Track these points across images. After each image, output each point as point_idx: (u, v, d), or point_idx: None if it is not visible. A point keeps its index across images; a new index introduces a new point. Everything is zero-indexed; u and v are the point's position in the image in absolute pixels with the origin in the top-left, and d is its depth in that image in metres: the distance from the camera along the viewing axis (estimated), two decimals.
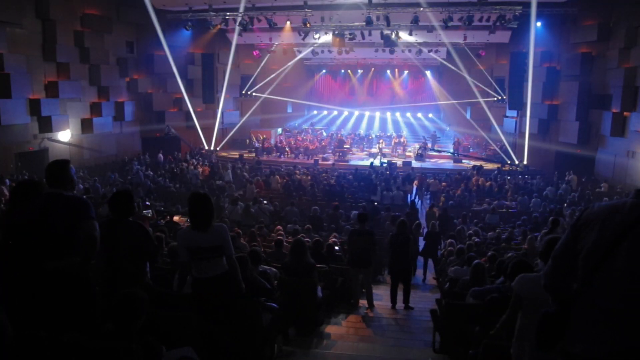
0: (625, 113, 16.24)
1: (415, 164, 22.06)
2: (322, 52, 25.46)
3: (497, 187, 16.57)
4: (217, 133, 24.31)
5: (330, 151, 24.99)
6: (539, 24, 19.45)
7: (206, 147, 23.95)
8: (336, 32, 20.99)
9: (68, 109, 17.98)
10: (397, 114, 30.92)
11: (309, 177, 17.06)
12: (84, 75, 18.72)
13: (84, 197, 3.40)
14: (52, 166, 3.10)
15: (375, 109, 31.02)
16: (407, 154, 24.64)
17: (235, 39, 22.12)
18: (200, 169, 18.45)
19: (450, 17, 18.30)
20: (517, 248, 8.76)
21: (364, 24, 19.04)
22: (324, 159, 22.95)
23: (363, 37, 21.44)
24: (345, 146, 25.23)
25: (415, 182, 17.74)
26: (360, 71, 31.63)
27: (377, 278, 9.32)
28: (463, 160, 23.54)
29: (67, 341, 2.51)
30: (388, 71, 31.46)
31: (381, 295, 7.68)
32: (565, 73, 19.58)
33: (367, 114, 31.24)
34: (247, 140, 25.85)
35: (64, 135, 17.98)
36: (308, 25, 19.69)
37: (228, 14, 20.39)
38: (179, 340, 3.07)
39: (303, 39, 21.84)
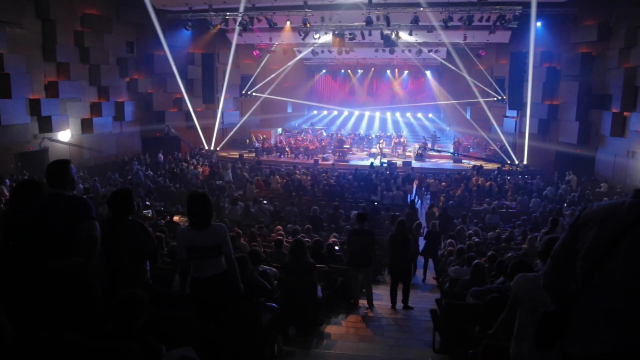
0: (625, 113, 16.24)
1: (415, 164, 22.06)
2: (322, 52, 25.47)
3: (497, 187, 16.57)
4: (217, 133, 24.32)
5: (330, 151, 24.99)
6: (539, 24, 19.45)
7: (206, 147, 23.95)
8: (336, 32, 21.00)
9: (68, 109, 17.98)
10: (397, 114, 30.92)
11: (309, 177, 17.07)
12: (84, 75, 18.72)
13: (84, 197, 3.39)
14: (53, 166, 3.10)
15: (375, 109, 31.02)
16: (407, 154, 24.64)
17: (235, 39, 22.13)
18: (200, 169, 18.46)
19: (450, 17, 18.30)
20: (517, 248, 8.77)
21: (364, 24, 19.04)
22: (324, 159, 22.95)
23: (363, 37, 21.44)
24: (345, 146, 25.24)
25: (415, 182, 17.74)
26: (360, 71, 31.64)
27: (377, 278, 9.32)
28: (463, 160, 23.54)
29: (67, 341, 2.51)
30: (388, 71, 31.47)
31: (381, 295, 7.68)
32: (565, 73, 19.58)
33: (367, 114, 31.25)
34: (247, 140, 25.85)
35: (64, 135, 17.98)
36: (308, 25, 19.69)
37: (228, 14, 20.39)
38: (179, 340, 3.07)
39: (303, 39, 21.84)
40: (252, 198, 13.02)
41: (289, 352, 4.77)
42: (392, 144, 25.73)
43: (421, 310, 6.83)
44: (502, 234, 10.15)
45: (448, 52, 23.58)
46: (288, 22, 20.37)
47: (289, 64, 26.88)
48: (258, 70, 26.31)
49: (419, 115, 30.62)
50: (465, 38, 21.30)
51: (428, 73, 29.85)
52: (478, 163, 21.00)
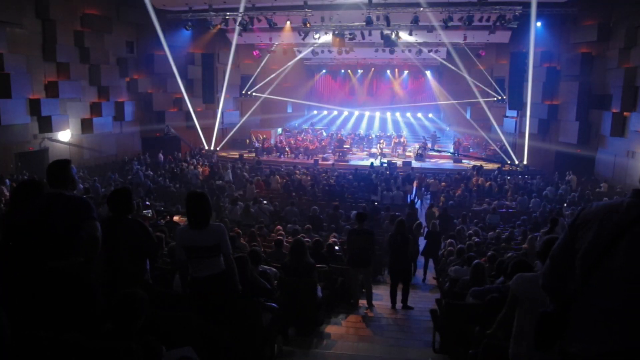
0: (625, 113, 16.24)
1: (415, 164, 22.06)
2: (322, 52, 25.46)
3: (497, 187, 16.57)
4: (217, 133, 24.32)
5: (330, 151, 24.99)
6: (539, 24, 19.45)
7: (206, 147, 23.95)
8: (336, 32, 21.00)
9: (68, 109, 17.99)
10: (397, 114, 30.92)
11: (309, 177, 17.07)
12: (84, 75, 18.73)
13: (85, 197, 3.39)
14: (53, 166, 3.10)
15: (375, 109, 31.02)
16: (407, 154, 24.64)
17: (235, 39, 22.13)
18: (200, 169, 18.46)
19: (450, 17, 18.30)
20: (517, 248, 8.77)
21: (364, 24, 19.05)
22: (324, 159, 22.95)
23: (363, 37, 21.44)
24: (345, 146, 25.24)
25: (415, 182, 17.74)
26: (360, 71, 31.63)
27: (377, 278, 9.32)
28: (463, 160, 23.54)
29: (67, 341, 2.51)
30: (388, 71, 31.46)
31: (381, 295, 7.68)
32: (565, 73, 19.58)
33: (367, 114, 31.24)
34: (247, 140, 25.85)
35: (64, 135, 17.99)
36: (308, 25, 19.69)
37: (228, 14, 20.39)
38: (179, 340, 3.07)
39: (303, 39, 21.84)
40: (252, 198, 13.02)
41: (289, 352, 4.77)
42: (392, 144, 25.73)
43: (421, 310, 6.83)
44: (502, 234, 10.16)
45: (448, 52, 23.58)
46: (288, 22, 20.37)
47: (289, 64, 26.88)
48: (258, 70, 26.31)
49: (419, 115, 30.61)
50: (465, 38, 21.30)
51: (428, 73, 29.85)
52: (478, 163, 20.99)
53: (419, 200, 16.54)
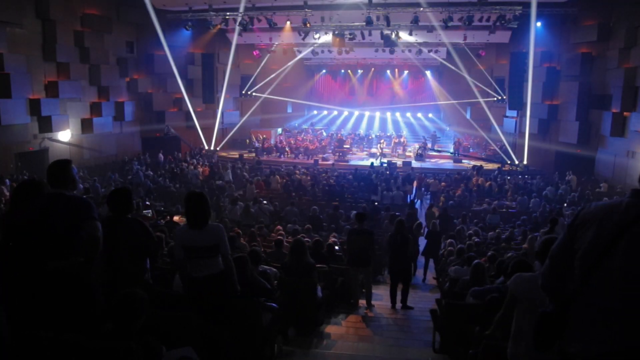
0: (625, 113, 16.24)
1: (415, 164, 22.06)
2: (322, 52, 25.46)
3: (497, 187, 16.57)
4: (217, 133, 24.32)
5: (330, 151, 25.00)
6: (539, 24, 19.45)
7: (206, 147, 23.95)
8: (336, 32, 21.00)
9: (68, 109, 17.99)
10: (397, 114, 30.92)
11: (309, 177, 17.07)
12: (84, 75, 18.73)
13: (86, 197, 3.39)
14: (53, 166, 3.09)
15: (375, 109, 31.02)
16: (407, 154, 24.64)
17: (235, 39, 22.13)
18: (200, 169, 18.46)
19: (450, 17, 18.30)
20: (517, 248, 8.77)
21: (364, 24, 19.05)
22: (324, 159, 22.95)
23: (363, 37, 21.44)
24: (345, 146, 25.24)
25: (415, 182, 17.74)
26: (360, 71, 31.63)
27: (377, 278, 9.32)
28: (463, 160, 23.54)
29: (67, 341, 2.51)
30: (388, 71, 31.46)
31: (381, 295, 7.68)
32: (565, 73, 19.58)
33: (367, 114, 31.24)
34: (247, 140, 25.85)
35: (64, 135, 17.99)
36: (308, 25, 19.69)
37: (228, 14, 20.39)
38: (179, 340, 3.07)
39: (303, 39, 21.84)
40: (252, 198, 13.02)
41: (289, 352, 4.77)
42: (392, 144, 25.73)
43: (421, 310, 6.83)
44: (502, 234, 10.16)
45: (448, 52, 23.58)
46: (288, 22, 20.37)
47: (289, 64, 26.88)
48: (258, 70, 26.31)
49: (419, 115, 30.61)
50: (465, 38, 21.30)
51: (428, 73, 29.85)
52: (478, 163, 20.99)
53: (419, 201, 16.54)
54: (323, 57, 27.09)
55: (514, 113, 22.74)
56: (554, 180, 17.22)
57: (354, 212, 10.68)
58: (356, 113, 31.34)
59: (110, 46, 19.81)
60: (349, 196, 14.87)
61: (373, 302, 7.11)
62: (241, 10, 19.70)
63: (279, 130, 29.47)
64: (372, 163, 20.89)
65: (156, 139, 22.50)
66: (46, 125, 16.88)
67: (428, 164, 22.87)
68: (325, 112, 32.29)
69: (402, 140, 26.20)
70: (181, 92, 22.32)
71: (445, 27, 18.80)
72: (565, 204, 13.77)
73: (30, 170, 15.55)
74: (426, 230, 10.50)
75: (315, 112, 32.55)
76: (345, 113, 31.51)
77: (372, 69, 31.18)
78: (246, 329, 3.96)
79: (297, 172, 17.85)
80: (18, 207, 3.03)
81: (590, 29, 17.98)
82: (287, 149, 24.79)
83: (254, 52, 25.88)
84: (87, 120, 19.02)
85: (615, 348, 1.61)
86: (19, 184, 3.35)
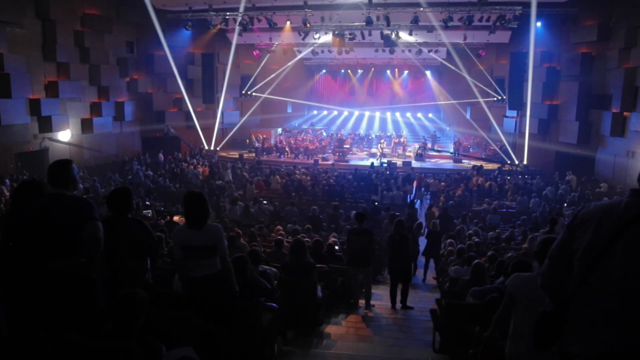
0: (625, 113, 16.24)
1: (415, 164, 22.06)
2: (322, 52, 25.46)
3: (497, 187, 16.57)
4: (217, 133, 24.31)
5: (330, 151, 24.99)
6: (539, 24, 19.45)
7: (206, 147, 23.95)
8: (336, 32, 21.00)
9: (68, 109, 17.99)
10: (397, 114, 30.92)
11: (309, 177, 17.07)
12: (84, 75, 18.73)
13: (87, 197, 3.39)
14: (54, 166, 3.09)
15: (375, 109, 31.01)
16: (407, 154, 24.64)
17: (235, 39, 22.13)
18: (200, 169, 18.47)
19: (450, 17, 18.30)
20: (517, 248, 8.77)
21: (364, 24, 19.04)
22: (324, 159, 22.95)
23: (363, 37, 21.44)
24: (345, 146, 25.23)
25: (415, 182, 17.74)
26: (360, 71, 31.63)
27: (377, 278, 9.32)
28: (463, 160, 23.54)
29: (67, 341, 2.51)
30: (388, 71, 31.46)
31: (381, 295, 7.69)
32: (565, 73, 19.58)
33: (367, 114, 31.24)
34: (247, 140, 25.84)
35: (64, 135, 17.99)
36: (308, 25, 19.69)
37: (228, 14, 20.39)
38: (179, 340, 3.07)
39: (303, 39, 21.84)
40: (252, 198, 13.02)
41: (289, 352, 4.77)
42: (392, 144, 25.73)
43: (421, 310, 6.83)
44: (502, 234, 10.16)
45: (448, 52, 23.58)
46: (288, 22, 20.36)
47: (289, 64, 26.87)
48: (258, 70, 26.30)
49: (419, 115, 30.61)
50: (465, 38, 21.29)
51: (428, 73, 29.84)
52: (478, 163, 20.99)
53: (418, 201, 16.54)
54: (323, 57, 27.08)
55: (514, 113, 22.74)
56: (554, 180, 17.22)
57: (354, 212, 10.70)
58: (356, 113, 31.33)
59: (110, 46, 19.81)
60: (349, 196, 14.87)
61: (373, 302, 7.11)
62: (241, 10, 19.70)
63: (279, 130, 29.47)
64: (372, 163, 20.88)
65: (156, 139, 22.50)
66: (46, 125, 16.88)
67: (428, 164, 22.87)
68: (325, 112, 32.29)
69: (402, 140, 26.19)
70: (181, 92, 22.32)
71: (445, 27, 18.80)
72: (565, 204, 13.77)
73: (30, 170, 15.56)
74: (426, 230, 10.50)
75: (315, 112, 32.55)
76: (345, 113, 31.51)
77: (372, 69, 31.18)
78: (246, 329, 3.96)
79: (297, 172, 17.86)
80: (19, 207, 3.03)
81: (590, 29, 17.98)
82: (287, 149, 24.79)
83: (254, 52, 25.87)
84: (87, 120, 19.03)
85: (615, 348, 1.61)
86: (20, 184, 3.35)
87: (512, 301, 2.83)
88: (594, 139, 18.46)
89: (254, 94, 26.56)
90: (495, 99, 23.72)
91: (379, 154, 24.00)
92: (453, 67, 23.84)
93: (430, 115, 30.37)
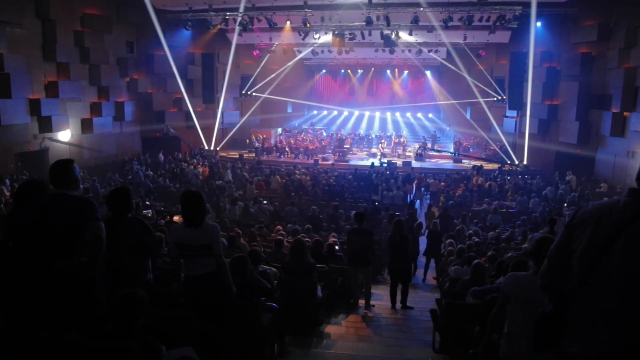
0: (625, 113, 16.24)
1: (415, 164, 22.06)
2: (322, 52, 25.46)
3: (497, 187, 16.57)
4: (217, 133, 24.32)
5: (330, 151, 24.99)
6: (539, 24, 19.45)
7: (206, 147, 23.96)
8: (336, 32, 21.00)
9: (68, 109, 17.99)
10: (397, 114, 30.91)
11: (309, 177, 17.07)
12: (84, 75, 18.73)
13: (89, 197, 3.39)
14: (55, 166, 3.09)
15: (375, 109, 31.01)
16: (407, 154, 24.63)
17: (235, 39, 22.13)
18: (201, 169, 18.47)
19: (450, 17, 18.30)
20: (517, 248, 8.77)
21: (364, 24, 19.04)
22: (324, 159, 22.95)
23: (363, 37, 21.44)
24: (345, 146, 25.23)
25: (415, 182, 17.74)
26: (360, 71, 31.62)
27: (377, 278, 9.32)
28: (463, 160, 23.54)
29: (67, 341, 2.51)
30: (388, 71, 31.46)
31: (381, 295, 7.69)
32: (565, 73, 19.58)
33: (367, 114, 31.23)
34: (247, 140, 25.84)
35: (64, 135, 17.99)
36: (308, 25, 19.69)
37: (228, 14, 20.39)
38: (179, 340, 3.07)
39: (303, 39, 21.84)
40: (252, 198, 13.02)
41: (289, 352, 4.77)
42: (392, 144, 25.73)
43: (421, 310, 6.83)
44: (502, 234, 10.16)
45: (448, 52, 23.58)
46: (288, 22, 20.36)
47: (289, 64, 26.87)
48: (258, 70, 26.30)
49: (419, 115, 30.61)
50: (465, 38, 21.29)
51: (428, 73, 29.84)
52: (478, 163, 20.99)
53: (418, 201, 16.54)
54: (323, 57, 27.08)
55: (514, 113, 22.74)
56: (554, 180, 17.21)
57: (354, 212, 10.70)
58: (356, 113, 31.33)
59: (110, 46, 19.81)
60: (349, 196, 14.87)
61: (373, 302, 7.11)
62: (241, 10, 19.70)
63: (279, 130, 29.47)
64: (372, 163, 20.89)
65: (156, 139, 22.50)
66: (46, 125, 16.87)
67: (428, 164, 22.87)
68: (325, 112, 32.29)
69: (402, 140, 26.19)
70: (181, 92, 22.32)
71: (445, 27, 18.80)
72: (565, 204, 13.77)
73: (30, 170, 15.55)
74: (426, 230, 10.49)
75: (315, 112, 32.54)
76: (345, 113, 31.51)
77: (372, 69, 31.17)
78: (246, 329, 3.96)
79: (297, 172, 17.86)
80: (20, 207, 3.03)
81: (590, 29, 17.98)
82: (287, 149, 24.79)
83: (254, 52, 25.87)
84: (87, 120, 19.02)
85: (615, 348, 1.61)
86: (21, 185, 3.35)
87: (506, 301, 2.83)
88: (594, 139, 18.46)
89: (254, 94, 26.56)
90: (495, 99, 23.72)
91: (379, 154, 24.00)
92: (453, 67, 23.84)
93: (430, 115, 30.37)
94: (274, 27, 20.13)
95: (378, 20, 19.02)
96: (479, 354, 3.31)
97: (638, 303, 1.60)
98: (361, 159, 23.75)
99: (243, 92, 26.37)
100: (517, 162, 21.23)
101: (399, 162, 21.76)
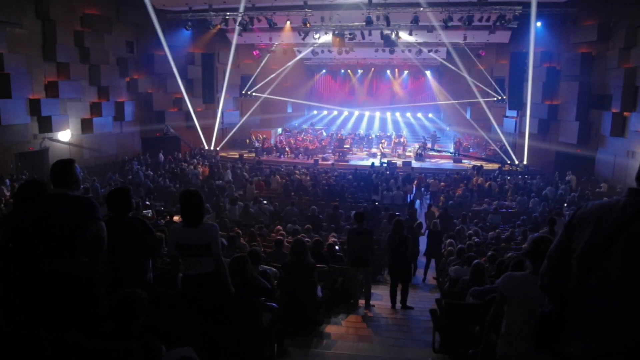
0: (625, 113, 16.24)
1: (415, 164, 22.06)
2: (322, 52, 25.46)
3: (497, 187, 16.58)
4: (217, 133, 24.32)
5: (330, 151, 24.99)
6: (539, 24, 19.46)
7: (206, 147, 23.96)
8: (336, 32, 21.00)
9: (68, 109, 17.99)
10: (397, 114, 30.91)
11: (309, 177, 17.07)
12: (84, 75, 18.73)
13: (90, 197, 3.40)
14: (56, 166, 3.09)
15: (375, 109, 31.01)
16: (407, 154, 24.63)
17: (235, 39, 22.14)
18: (201, 169, 18.47)
19: (450, 17, 18.31)
20: (517, 248, 8.76)
21: (364, 24, 19.04)
22: (324, 159, 22.95)
23: (363, 37, 21.44)
24: (345, 146, 25.23)
25: (415, 182, 17.74)
26: (360, 71, 31.62)
27: (377, 278, 9.32)
28: (463, 160, 23.54)
29: (67, 341, 2.51)
30: (388, 71, 31.46)
31: (381, 295, 7.68)
32: (565, 73, 19.58)
33: (367, 114, 31.23)
34: (247, 140, 25.84)
35: (64, 135, 17.98)
36: (308, 25, 19.69)
37: (228, 14, 20.39)
38: (179, 340, 3.07)
39: (303, 39, 21.84)
40: (252, 198, 13.02)
41: (289, 352, 4.77)
42: (392, 144, 25.72)
43: (421, 310, 6.84)
44: (502, 234, 10.16)
45: (448, 52, 23.58)
46: (288, 22, 20.37)
47: (289, 64, 26.87)
48: (258, 70, 26.30)
49: (419, 115, 30.60)
50: (465, 38, 21.29)
51: (428, 73, 29.84)
52: (478, 163, 21.00)
53: (418, 201, 16.53)
54: (323, 57, 27.08)
55: (514, 113, 22.74)
56: (554, 180, 17.21)
57: (354, 212, 10.70)
58: (356, 113, 31.33)
59: (110, 46, 19.81)
60: (349, 196, 14.87)
61: (373, 302, 7.11)
62: (241, 10, 19.70)
63: (279, 130, 29.47)
64: (372, 163, 20.89)
65: (156, 139, 22.50)
66: (46, 125, 16.87)
67: (428, 164, 22.87)
68: (325, 112, 32.28)
69: (402, 140, 26.19)
70: (181, 92, 22.32)
71: (445, 27, 18.80)
72: (565, 204, 13.77)
73: (30, 170, 15.55)
74: (426, 230, 10.49)
75: (315, 112, 32.54)
76: (345, 113, 31.51)
77: (372, 69, 31.17)
78: (246, 329, 3.96)
79: (297, 172, 17.85)
80: (21, 207, 3.03)
81: (590, 29, 17.98)
82: (287, 149, 24.79)
83: (254, 52, 25.88)
84: (87, 120, 19.02)
85: (615, 348, 1.61)
86: (22, 185, 3.35)
87: (503, 300, 2.83)
88: (594, 139, 18.46)
89: (254, 94, 26.56)
90: (495, 99, 23.72)
91: (379, 154, 24.00)
92: (453, 67, 23.84)
93: (430, 115, 30.36)
94: (274, 27, 20.13)
95: (378, 20, 19.02)
96: (479, 354, 3.31)
97: (638, 303, 1.60)
98: (361, 159, 23.74)
99: (243, 92, 26.37)
100: (517, 162, 21.23)
101: (399, 162, 21.76)
